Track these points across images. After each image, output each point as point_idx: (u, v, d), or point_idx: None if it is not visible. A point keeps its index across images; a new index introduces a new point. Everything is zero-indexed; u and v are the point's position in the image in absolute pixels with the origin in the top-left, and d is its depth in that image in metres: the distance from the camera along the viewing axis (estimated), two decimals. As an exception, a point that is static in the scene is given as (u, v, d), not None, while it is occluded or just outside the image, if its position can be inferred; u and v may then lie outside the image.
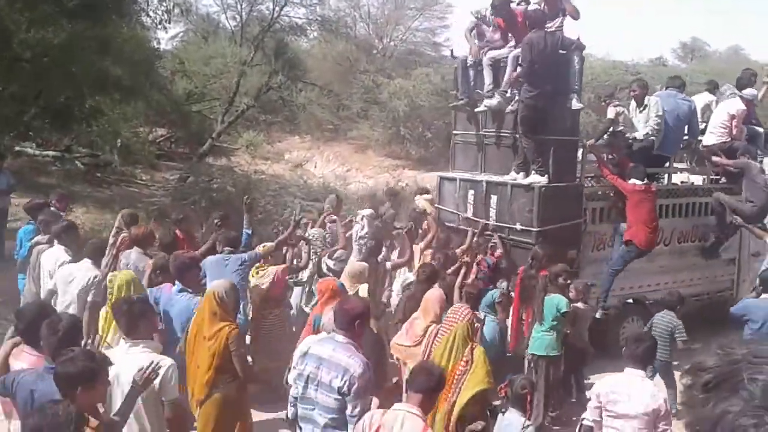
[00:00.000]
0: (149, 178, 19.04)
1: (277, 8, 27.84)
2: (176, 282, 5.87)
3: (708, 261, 9.38)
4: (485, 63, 8.47)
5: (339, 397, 4.13)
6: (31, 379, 3.82)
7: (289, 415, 4.59)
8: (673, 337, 7.03)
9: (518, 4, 8.53)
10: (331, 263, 7.62)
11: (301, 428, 4.40)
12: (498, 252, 7.95)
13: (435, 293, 5.98)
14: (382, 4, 36.67)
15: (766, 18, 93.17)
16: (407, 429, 3.71)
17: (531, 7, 8.23)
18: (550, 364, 6.72)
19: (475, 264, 7.80)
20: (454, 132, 9.54)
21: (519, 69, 8.00)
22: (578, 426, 5.08)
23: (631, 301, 8.88)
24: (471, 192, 8.74)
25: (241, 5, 28.02)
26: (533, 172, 7.92)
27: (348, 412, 4.11)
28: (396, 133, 27.93)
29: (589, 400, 4.98)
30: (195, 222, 9.01)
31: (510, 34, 8.50)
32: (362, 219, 8.04)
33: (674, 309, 7.21)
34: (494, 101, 8.32)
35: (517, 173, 8.15)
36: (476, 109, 8.67)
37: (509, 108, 8.20)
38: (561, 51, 7.88)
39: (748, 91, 9.93)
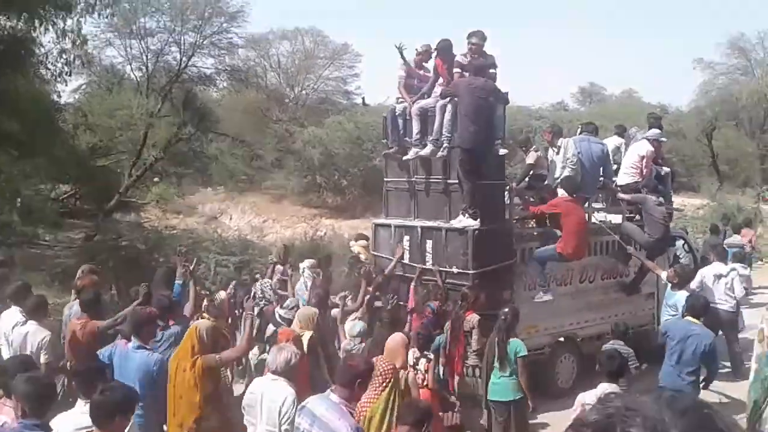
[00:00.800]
0: (53, 237, 17.85)
1: (184, 58, 27.46)
2: (132, 338, 5.72)
3: (629, 296, 9.59)
4: (414, 113, 8.69)
5: None
6: None
7: None
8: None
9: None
10: (282, 312, 7.44)
11: None
12: (441, 288, 7.92)
13: (397, 338, 5.96)
14: (291, 53, 36.80)
15: (655, 63, 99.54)
16: None
17: (457, 58, 8.51)
18: (518, 408, 6.75)
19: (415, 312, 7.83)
20: (386, 179, 9.57)
21: (450, 114, 8.21)
22: None
23: (562, 339, 8.97)
24: (406, 237, 8.82)
25: (147, 56, 27.41)
26: (466, 215, 8.02)
27: None
28: (312, 181, 27.74)
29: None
30: (100, 284, 8.37)
31: (440, 82, 8.76)
32: (304, 271, 8.17)
33: (623, 338, 7.39)
34: (428, 150, 8.48)
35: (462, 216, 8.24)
36: (406, 157, 8.81)
37: (440, 154, 8.37)
38: (491, 99, 8.17)
39: (652, 132, 10.41)
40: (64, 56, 15.46)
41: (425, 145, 8.56)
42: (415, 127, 8.68)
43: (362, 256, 9.14)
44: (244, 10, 28.08)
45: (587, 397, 5.33)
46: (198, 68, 28.64)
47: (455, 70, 8.42)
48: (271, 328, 7.46)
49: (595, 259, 9.21)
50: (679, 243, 11.14)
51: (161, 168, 22.80)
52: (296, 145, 27.84)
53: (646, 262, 9.09)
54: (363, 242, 9.66)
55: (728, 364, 9.17)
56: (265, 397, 4.82)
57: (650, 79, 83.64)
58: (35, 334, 6.16)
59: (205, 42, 27.75)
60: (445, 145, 8.27)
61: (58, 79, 15.95)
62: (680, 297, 7.94)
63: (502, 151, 8.38)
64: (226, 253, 15.50)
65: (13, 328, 6.35)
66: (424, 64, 9.27)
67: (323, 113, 32.44)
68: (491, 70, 8.41)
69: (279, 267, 9.27)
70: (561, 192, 8.55)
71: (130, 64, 28.14)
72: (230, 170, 27.18)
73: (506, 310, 7.00)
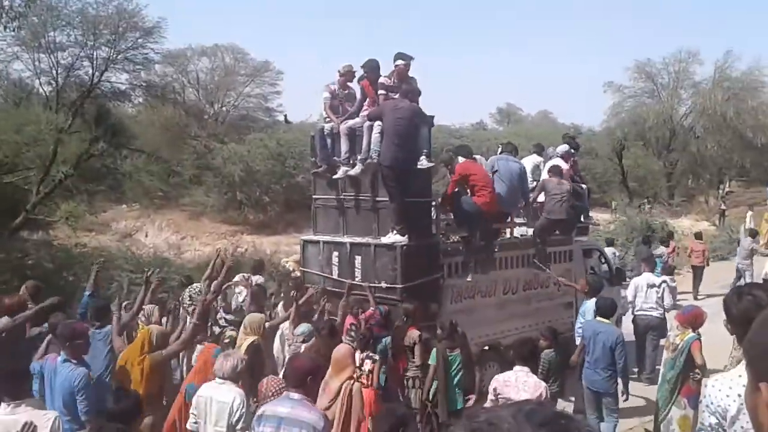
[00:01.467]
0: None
1: (97, 73, 26.59)
2: (61, 352, 5.68)
3: (550, 305, 10.07)
4: (342, 132, 8.89)
5: None
6: None
7: None
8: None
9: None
10: (227, 315, 7.85)
11: None
12: (372, 303, 8.08)
13: (343, 349, 6.13)
14: (211, 70, 36.27)
15: (569, 86, 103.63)
16: None
17: (381, 80, 8.81)
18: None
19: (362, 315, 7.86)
20: (314, 196, 9.71)
21: (377, 134, 8.37)
22: None
23: (487, 348, 9.20)
24: (335, 253, 8.99)
25: (57, 70, 26.39)
26: (394, 232, 8.23)
27: None
28: (232, 198, 27.34)
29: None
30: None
31: (368, 101, 9.03)
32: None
33: (551, 345, 7.80)
34: (357, 169, 8.67)
35: (392, 232, 8.41)
36: (335, 176, 8.97)
37: (360, 169, 8.61)
38: (416, 121, 8.44)
39: (561, 148, 11.23)
40: (-33, 69, 14.73)
41: (354, 164, 8.76)
42: (344, 146, 8.88)
43: (296, 273, 9.49)
44: (161, 26, 27.50)
45: (501, 378, 5.92)
46: (112, 83, 27.76)
47: (380, 91, 8.69)
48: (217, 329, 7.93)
49: (516, 271, 9.63)
50: (596, 255, 11.59)
51: (72, 185, 21.86)
52: (216, 161, 27.37)
53: (560, 279, 9.85)
54: (295, 257, 9.97)
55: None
56: (214, 399, 5.07)
57: (564, 101, 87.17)
58: None
59: (119, 57, 26.92)
60: (375, 161, 8.44)
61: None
62: (590, 305, 8.51)
63: (427, 164, 8.58)
64: (140, 271, 14.94)
65: None
66: (348, 84, 9.46)
67: (244, 130, 32.09)
68: (415, 95, 8.70)
69: (255, 277, 9.47)
70: (459, 159, 9.11)
71: (39, 79, 27.01)
72: (146, 187, 26.32)
73: (454, 321, 7.41)
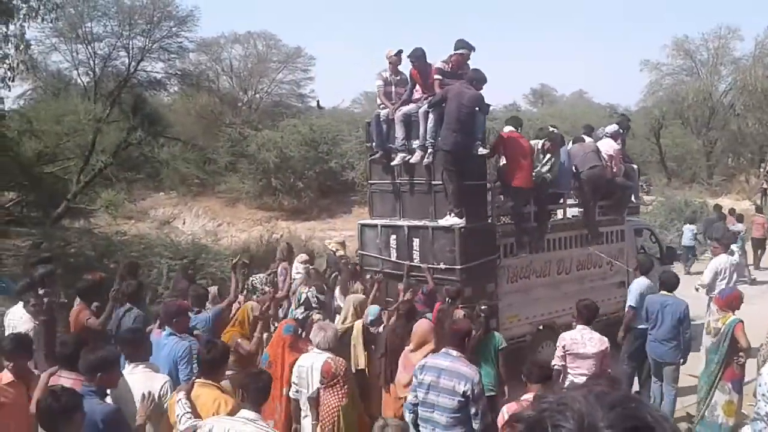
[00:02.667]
0: (-2, 246, 17.35)
1: (133, 63, 27.02)
2: (165, 327, 6.13)
3: (602, 284, 10.13)
4: (397, 119, 9.06)
5: (462, 399, 5.10)
6: None
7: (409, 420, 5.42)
8: None
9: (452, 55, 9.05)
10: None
11: (419, 429, 5.32)
12: (431, 283, 8.35)
13: (425, 325, 6.46)
14: (244, 57, 36.47)
15: (604, 65, 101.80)
16: None
17: (438, 64, 8.92)
18: (492, 403, 6.46)
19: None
20: (371, 182, 10.06)
21: (432, 121, 8.62)
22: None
23: (542, 327, 9.36)
24: (393, 236, 9.21)
25: (94, 61, 26.90)
26: (452, 214, 8.43)
27: (472, 411, 5.11)
28: (267, 184, 27.52)
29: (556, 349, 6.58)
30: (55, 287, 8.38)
31: (418, 88, 9.19)
32: (297, 266, 9.24)
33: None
34: (417, 156, 8.85)
35: (449, 215, 8.60)
36: (394, 162, 9.18)
37: (426, 160, 8.75)
38: (477, 108, 8.58)
39: (610, 128, 11.18)
40: (6, 62, 15.03)
41: (411, 150, 9.00)
42: (399, 132, 9.08)
43: (339, 252, 9.80)
44: (194, 14, 27.81)
45: (567, 336, 6.61)
46: (147, 73, 28.26)
47: (436, 76, 8.80)
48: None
49: (570, 251, 9.80)
50: (647, 234, 11.69)
51: (111, 173, 22.32)
52: (250, 148, 27.57)
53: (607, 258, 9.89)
54: (338, 238, 10.54)
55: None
56: (315, 368, 5.59)
57: (600, 81, 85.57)
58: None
59: (154, 46, 27.37)
60: (429, 150, 8.67)
61: (1, 86, 15.53)
62: (638, 283, 8.46)
63: (483, 151, 8.70)
64: (179, 258, 15.21)
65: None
66: (398, 68, 9.53)
67: (278, 116, 32.23)
68: (481, 83, 8.74)
69: (284, 264, 9.80)
70: (507, 128, 9.20)
71: (77, 69, 27.64)
72: (182, 174, 26.76)
73: (483, 307, 7.22)
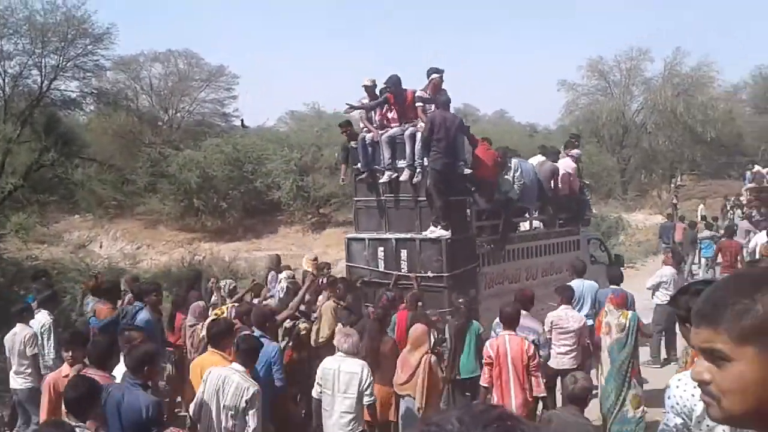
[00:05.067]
0: None
1: (46, 82, 25.96)
2: (254, 330, 6.61)
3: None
4: (383, 141, 9.96)
5: None
6: (118, 392, 4.82)
7: None
8: None
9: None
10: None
11: None
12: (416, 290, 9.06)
13: (420, 328, 6.95)
14: (164, 75, 35.66)
15: (525, 84, 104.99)
16: None
17: (418, 93, 9.94)
18: (475, 384, 7.31)
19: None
20: (356, 199, 10.91)
21: (421, 141, 9.48)
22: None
23: None
24: (380, 248, 10.01)
25: (4, 80, 25.69)
26: (438, 227, 9.34)
27: None
28: (189, 205, 26.90)
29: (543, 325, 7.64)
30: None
31: (398, 112, 10.15)
32: (281, 281, 9.93)
33: None
34: (405, 174, 9.78)
35: (435, 228, 9.49)
36: (381, 180, 10.06)
37: (416, 179, 9.68)
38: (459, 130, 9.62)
39: (575, 152, 12.25)
40: None
41: (396, 168, 9.95)
42: (386, 153, 9.99)
43: (312, 271, 10.34)
44: (111, 32, 26.96)
45: (554, 314, 7.92)
46: (61, 92, 27.12)
47: (417, 103, 9.86)
48: None
49: (536, 260, 10.91)
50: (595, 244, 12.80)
51: (22, 196, 21.33)
52: (171, 168, 26.86)
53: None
54: (309, 255, 11.35)
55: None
56: (342, 370, 5.96)
57: (520, 101, 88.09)
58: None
59: (68, 64, 26.31)
60: (418, 169, 9.65)
61: None
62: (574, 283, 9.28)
63: (467, 171, 9.75)
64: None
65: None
66: (374, 93, 10.44)
67: (200, 136, 31.59)
68: (448, 104, 9.91)
69: (272, 273, 10.90)
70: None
71: (-15, 90, 26.29)
72: (99, 196, 25.74)
73: (461, 300, 8.04)
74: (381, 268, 9.95)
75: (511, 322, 6.72)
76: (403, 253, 9.74)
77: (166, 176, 26.97)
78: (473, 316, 8.15)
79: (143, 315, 7.61)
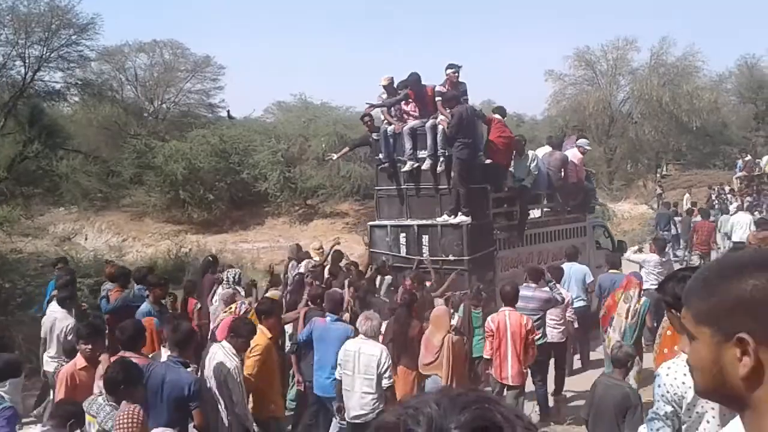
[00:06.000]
0: None
1: (29, 73, 25.72)
2: (328, 314, 7.17)
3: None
4: (405, 133, 10.67)
5: None
6: (161, 370, 5.15)
7: None
8: None
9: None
10: None
11: None
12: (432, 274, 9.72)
13: (441, 310, 7.52)
14: (150, 66, 35.29)
15: (512, 74, 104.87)
16: None
17: (438, 88, 10.57)
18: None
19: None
20: (377, 188, 11.67)
21: (440, 134, 10.23)
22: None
23: None
24: (402, 235, 10.65)
25: (-13, 71, 25.41)
26: (461, 214, 10.01)
27: None
28: (175, 197, 26.71)
29: None
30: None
31: (418, 107, 10.85)
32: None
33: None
34: (427, 163, 10.46)
35: (449, 216, 10.21)
36: (404, 169, 10.74)
37: (440, 168, 10.34)
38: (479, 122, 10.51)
39: (582, 141, 13.12)
40: None
41: (417, 158, 10.63)
42: (408, 144, 10.68)
43: (317, 258, 10.77)
44: (96, 22, 26.72)
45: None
46: (45, 83, 26.89)
47: (437, 98, 10.40)
48: None
49: (546, 245, 11.56)
50: (600, 230, 13.54)
51: (6, 188, 21.17)
52: (157, 160, 26.64)
53: None
54: (315, 244, 11.73)
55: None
56: (362, 352, 6.23)
57: (507, 91, 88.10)
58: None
59: (52, 55, 26.09)
60: (441, 159, 10.32)
61: None
62: (567, 267, 10.04)
63: (487, 161, 10.47)
64: (81, 275, 14.55)
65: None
66: (393, 88, 11.17)
67: (186, 127, 31.32)
68: (465, 97, 10.72)
69: (292, 263, 11.19)
70: (496, 116, 10.93)
71: (-32, 81, 25.99)
72: (84, 188, 25.57)
73: (481, 287, 8.72)
74: (403, 254, 10.56)
75: (510, 300, 7.29)
76: (425, 239, 10.36)
77: (152, 168, 26.77)
78: (490, 300, 8.63)
79: (144, 307, 7.87)
